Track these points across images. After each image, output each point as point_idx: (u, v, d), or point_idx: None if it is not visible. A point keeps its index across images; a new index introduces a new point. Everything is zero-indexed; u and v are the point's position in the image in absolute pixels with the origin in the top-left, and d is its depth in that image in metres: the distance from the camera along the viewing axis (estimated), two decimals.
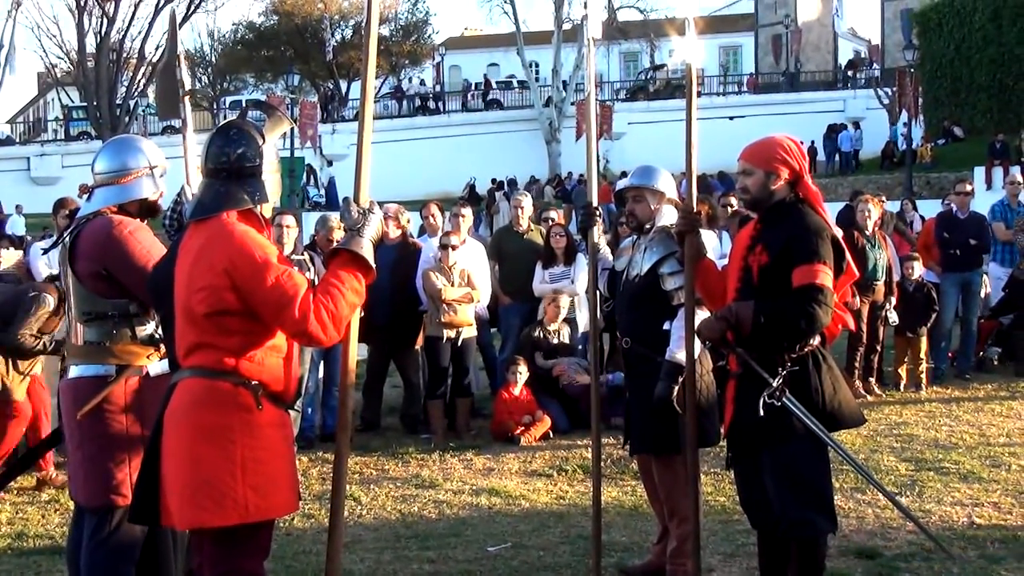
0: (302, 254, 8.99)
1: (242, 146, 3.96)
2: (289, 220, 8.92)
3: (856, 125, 45.51)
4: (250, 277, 3.74)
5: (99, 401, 4.42)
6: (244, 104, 4.70)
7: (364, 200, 4.12)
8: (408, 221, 10.12)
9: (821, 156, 44.45)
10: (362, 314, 4.50)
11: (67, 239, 4.66)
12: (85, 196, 4.86)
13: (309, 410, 9.17)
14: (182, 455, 3.74)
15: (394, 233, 9.62)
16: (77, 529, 4.66)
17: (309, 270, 8.67)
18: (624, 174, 35.07)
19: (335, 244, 4.14)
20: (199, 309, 3.76)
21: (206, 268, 3.77)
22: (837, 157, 44.14)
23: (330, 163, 41.96)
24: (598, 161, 5.99)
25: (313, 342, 3.91)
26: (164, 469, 3.81)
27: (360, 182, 4.21)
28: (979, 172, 30.89)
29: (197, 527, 3.79)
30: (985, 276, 12.40)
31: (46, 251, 6.83)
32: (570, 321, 10.03)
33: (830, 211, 6.37)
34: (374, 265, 3.98)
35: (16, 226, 31.25)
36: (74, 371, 4.60)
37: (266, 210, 4.00)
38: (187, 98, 5.70)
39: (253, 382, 3.82)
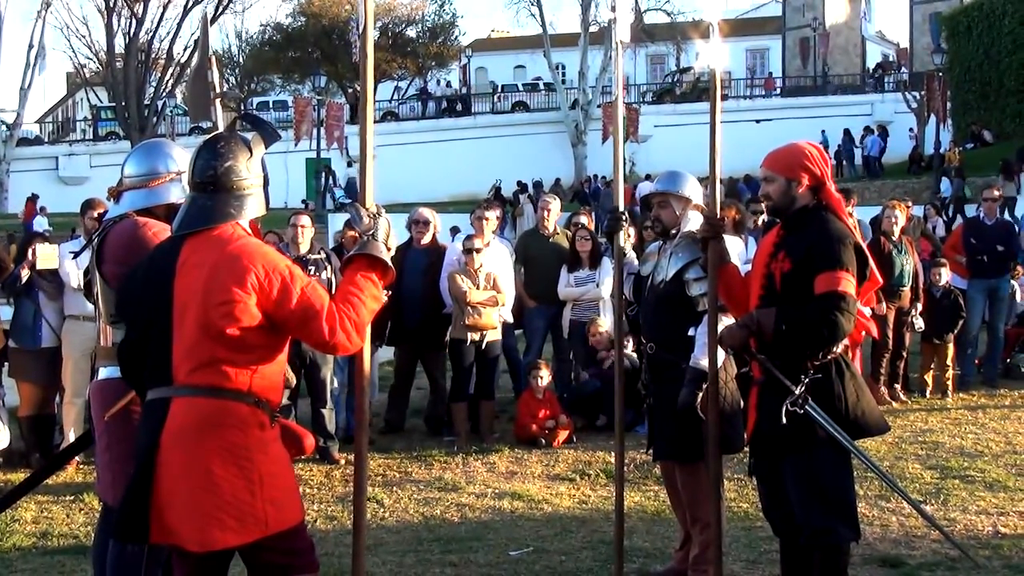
0: (319, 252, 9.05)
1: (229, 160, 3.96)
2: (304, 220, 9.01)
3: (875, 130, 45.32)
4: (278, 290, 3.77)
5: (127, 402, 4.44)
6: (236, 116, 4.70)
7: (371, 204, 4.15)
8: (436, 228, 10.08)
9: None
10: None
11: (95, 242, 4.70)
12: (113, 199, 4.89)
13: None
14: (198, 477, 3.71)
15: (426, 239, 9.66)
16: (104, 530, 4.68)
17: (326, 269, 8.76)
18: (648, 177, 35.12)
19: (349, 252, 4.13)
20: (222, 324, 3.72)
21: (231, 281, 3.74)
22: (859, 161, 44.01)
23: (350, 164, 42.11)
24: (624, 164, 5.98)
25: (338, 352, 3.98)
26: (168, 489, 3.74)
27: (365, 186, 4.24)
28: None
29: (219, 548, 3.77)
30: (1015, 283, 12.30)
31: (76, 254, 6.88)
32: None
33: (860, 215, 6.34)
34: (397, 269, 4.02)
35: (41, 226, 31.60)
36: (103, 373, 4.62)
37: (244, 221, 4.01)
38: (218, 100, 5.74)
39: (263, 400, 3.86)
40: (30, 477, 5.21)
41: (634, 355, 9.31)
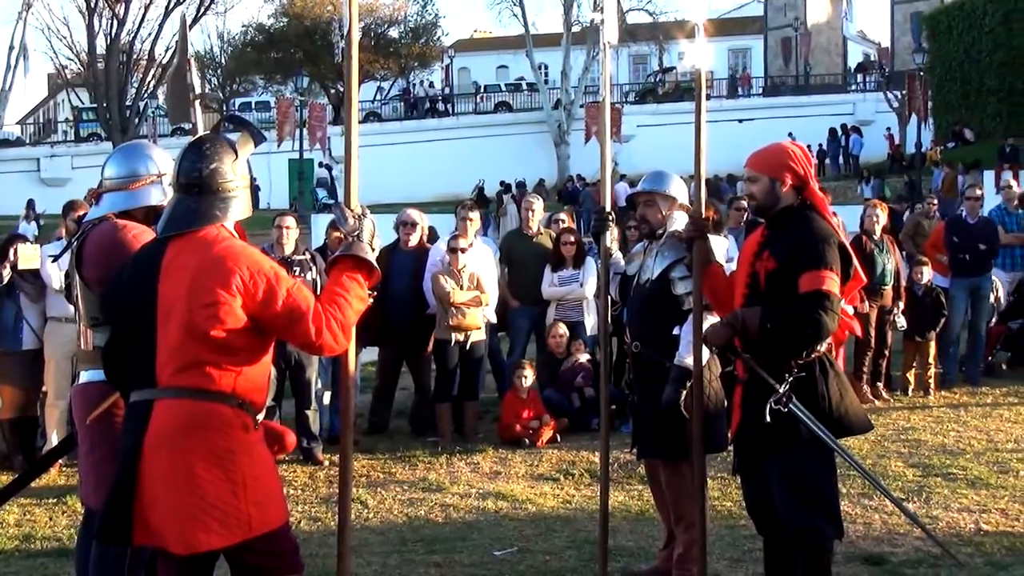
0: (303, 254, 9.02)
1: (214, 161, 3.96)
2: (289, 221, 8.99)
3: (854, 130, 45.65)
4: (263, 292, 3.77)
5: (108, 406, 4.42)
6: (221, 118, 4.65)
7: (355, 205, 4.14)
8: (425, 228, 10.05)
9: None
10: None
11: (75, 245, 4.68)
12: (93, 200, 4.86)
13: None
14: (182, 480, 3.70)
15: (414, 240, 9.64)
16: (86, 533, 4.67)
17: (311, 269, 8.74)
18: (623, 178, 35.17)
19: (335, 253, 4.13)
20: (206, 325, 3.71)
21: (216, 283, 3.74)
22: (841, 160, 44.25)
23: (321, 164, 42.00)
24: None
25: (324, 353, 3.99)
26: (152, 491, 3.73)
27: (350, 187, 4.24)
28: (989, 176, 30.80)
29: (203, 550, 3.76)
30: (996, 281, 12.34)
31: (55, 257, 6.83)
32: (577, 324, 10.04)
33: (842, 215, 6.36)
34: (383, 270, 4.02)
35: (27, 230, 31.41)
36: (84, 376, 4.59)
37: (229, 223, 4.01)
38: (198, 102, 5.71)
39: (247, 402, 3.86)
40: (14, 481, 5.19)
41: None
